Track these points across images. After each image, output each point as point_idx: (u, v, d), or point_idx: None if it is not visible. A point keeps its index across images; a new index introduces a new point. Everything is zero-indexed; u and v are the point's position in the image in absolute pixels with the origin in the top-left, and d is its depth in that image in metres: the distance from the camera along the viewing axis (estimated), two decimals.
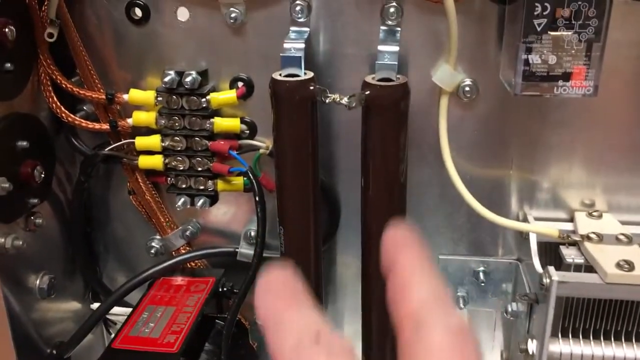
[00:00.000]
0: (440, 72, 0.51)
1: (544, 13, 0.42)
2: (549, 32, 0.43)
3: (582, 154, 0.55)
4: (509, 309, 0.58)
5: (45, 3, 0.51)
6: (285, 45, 0.50)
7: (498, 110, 0.54)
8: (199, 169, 0.58)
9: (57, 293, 0.60)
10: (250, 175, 0.56)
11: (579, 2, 0.42)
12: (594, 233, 0.52)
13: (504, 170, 0.57)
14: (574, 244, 0.53)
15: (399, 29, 0.51)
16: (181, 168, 0.58)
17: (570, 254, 0.52)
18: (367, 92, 0.48)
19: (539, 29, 0.43)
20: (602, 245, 0.51)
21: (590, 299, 0.51)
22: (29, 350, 0.56)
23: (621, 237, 0.52)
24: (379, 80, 0.48)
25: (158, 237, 0.64)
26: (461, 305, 0.61)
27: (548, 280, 0.49)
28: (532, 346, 0.52)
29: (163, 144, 0.57)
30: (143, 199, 0.61)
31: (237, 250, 0.62)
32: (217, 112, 0.57)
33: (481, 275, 0.60)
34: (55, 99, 0.55)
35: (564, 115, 0.54)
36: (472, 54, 0.52)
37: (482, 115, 0.54)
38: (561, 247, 0.53)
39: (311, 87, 0.48)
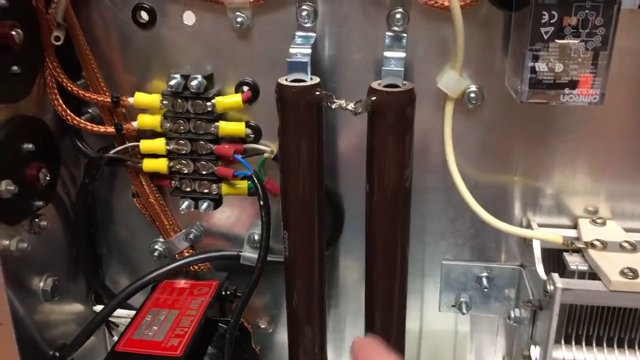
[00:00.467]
0: (446, 78, 0.51)
1: (551, 21, 0.42)
2: (555, 40, 0.43)
3: (586, 161, 0.55)
4: (512, 315, 0.58)
5: (52, 6, 0.51)
6: (292, 51, 0.50)
7: (503, 117, 0.54)
8: (204, 172, 0.58)
9: (60, 295, 0.60)
10: (255, 179, 0.56)
11: (586, 11, 0.42)
12: (597, 240, 0.52)
13: (508, 176, 0.57)
14: (577, 251, 0.53)
15: (405, 35, 0.52)
16: (185, 171, 0.58)
17: (574, 261, 0.52)
18: (373, 98, 0.48)
19: (546, 37, 0.43)
20: (606, 253, 0.51)
21: (594, 306, 0.51)
22: (32, 352, 0.56)
23: (625, 244, 0.52)
24: (385, 86, 0.48)
25: (161, 239, 0.64)
26: (464, 310, 0.61)
27: (552, 287, 0.49)
28: (535, 352, 0.52)
29: (168, 147, 0.57)
30: (147, 202, 0.61)
31: (240, 253, 0.62)
32: (222, 116, 0.57)
33: (484, 281, 0.60)
34: (60, 101, 0.55)
35: (568, 123, 0.54)
36: (478, 61, 0.52)
37: (487, 122, 0.55)
38: (565, 254, 0.53)
39: (317, 93, 0.49)
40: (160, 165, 0.58)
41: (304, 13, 0.52)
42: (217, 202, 0.60)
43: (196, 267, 0.64)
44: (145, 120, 0.57)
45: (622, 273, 0.48)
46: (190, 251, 0.64)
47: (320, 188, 0.53)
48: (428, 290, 0.63)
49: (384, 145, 0.49)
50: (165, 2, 0.54)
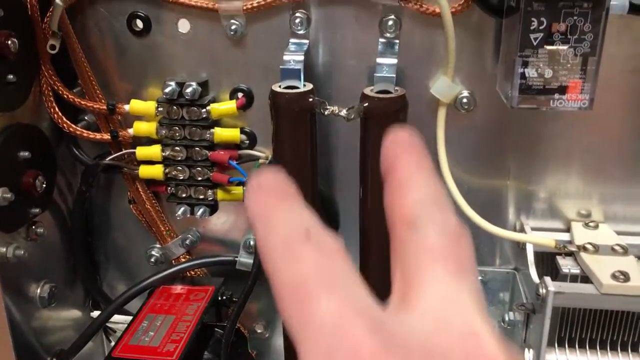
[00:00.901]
0: (438, 84, 0.52)
1: (540, 27, 0.43)
2: (545, 46, 0.43)
3: (578, 164, 0.56)
4: (506, 318, 0.59)
5: (48, 15, 0.52)
6: (285, 58, 0.50)
7: (495, 122, 0.55)
8: (199, 178, 0.58)
9: (57, 301, 0.60)
10: None
11: (575, 17, 0.42)
12: (590, 244, 0.53)
13: (501, 180, 0.57)
14: (570, 254, 0.53)
15: (397, 41, 0.52)
16: (181, 178, 0.58)
17: (566, 265, 0.52)
18: (366, 104, 0.48)
19: (535, 43, 0.43)
20: (598, 256, 0.51)
21: (586, 309, 0.52)
22: (29, 359, 0.57)
23: (617, 247, 0.52)
24: (377, 93, 0.49)
25: (158, 245, 0.64)
26: None
27: (544, 291, 0.49)
28: (528, 355, 0.53)
29: (163, 154, 0.57)
30: (143, 208, 0.62)
31: (236, 259, 0.63)
32: (217, 123, 0.57)
33: None
34: (56, 109, 0.56)
35: (560, 127, 0.54)
36: (469, 66, 0.53)
37: (480, 127, 0.55)
38: (557, 257, 0.54)
39: (310, 99, 0.49)
40: (156, 171, 0.58)
41: (297, 20, 0.52)
42: (212, 208, 0.60)
43: (192, 273, 0.64)
44: (141, 127, 0.57)
45: (614, 276, 0.48)
46: (187, 257, 0.64)
47: (314, 194, 0.53)
48: None
49: (377, 151, 0.49)
50: (160, 10, 0.54)
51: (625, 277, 0.48)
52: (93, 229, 0.66)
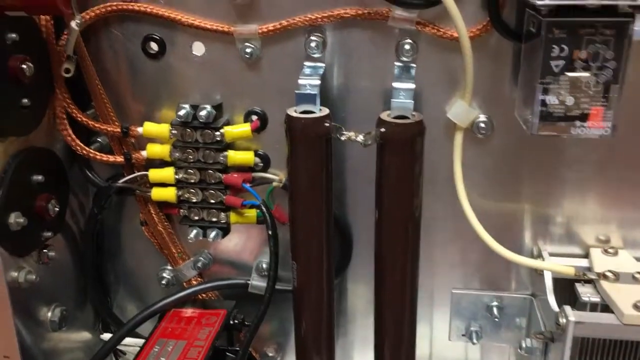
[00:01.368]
0: (456, 108, 0.51)
1: (561, 55, 0.42)
2: (566, 74, 0.43)
3: (597, 189, 0.55)
4: (523, 345, 0.58)
5: (62, 38, 0.52)
6: (300, 82, 0.50)
7: (513, 147, 0.54)
8: (212, 201, 0.58)
9: (68, 324, 0.60)
10: (264, 209, 0.56)
11: (597, 45, 0.42)
12: (610, 271, 0.51)
13: (518, 205, 0.57)
14: (589, 281, 0.52)
15: (414, 65, 0.52)
16: (194, 200, 0.58)
17: (586, 292, 0.51)
18: (383, 130, 0.48)
19: (556, 70, 0.43)
20: (618, 285, 0.50)
21: (606, 339, 0.51)
22: None
23: (637, 275, 0.51)
24: (394, 118, 0.48)
25: (169, 267, 0.64)
26: (474, 340, 0.60)
27: (564, 320, 0.48)
28: None
29: (177, 177, 0.57)
30: (155, 230, 0.61)
31: (248, 282, 0.62)
32: (231, 145, 0.57)
33: (495, 310, 0.60)
34: (70, 131, 0.55)
35: (579, 152, 0.54)
36: (487, 91, 0.52)
37: (497, 152, 0.54)
38: (577, 284, 0.53)
39: (326, 124, 0.48)
40: (169, 194, 0.58)
41: (313, 44, 0.52)
42: (225, 230, 0.59)
43: (204, 295, 0.63)
44: (155, 150, 0.57)
45: (635, 306, 0.47)
46: (199, 279, 0.64)
47: (329, 217, 0.52)
48: (438, 319, 0.63)
49: (394, 176, 0.49)
50: (175, 33, 0.54)
51: None
52: (104, 251, 0.65)
